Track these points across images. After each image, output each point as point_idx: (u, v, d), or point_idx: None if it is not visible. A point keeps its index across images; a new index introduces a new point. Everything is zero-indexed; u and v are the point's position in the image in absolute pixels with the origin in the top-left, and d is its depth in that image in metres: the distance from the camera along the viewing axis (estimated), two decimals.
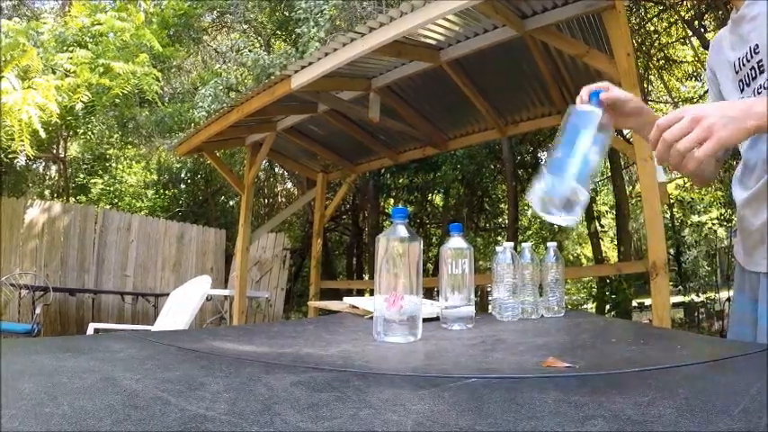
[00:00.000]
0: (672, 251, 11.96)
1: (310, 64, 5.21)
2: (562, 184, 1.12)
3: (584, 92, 1.39)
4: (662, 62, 12.43)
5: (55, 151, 13.55)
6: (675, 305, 12.30)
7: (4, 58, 8.64)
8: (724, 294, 12.57)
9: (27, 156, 9.18)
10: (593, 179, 1.19)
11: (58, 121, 8.97)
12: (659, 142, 1.08)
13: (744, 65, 1.43)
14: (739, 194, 1.51)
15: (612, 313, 10.19)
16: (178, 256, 11.26)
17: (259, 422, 0.57)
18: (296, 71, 5.36)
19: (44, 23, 10.31)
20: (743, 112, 1.09)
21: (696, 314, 12.99)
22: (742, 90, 1.45)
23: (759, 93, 1.37)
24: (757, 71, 1.38)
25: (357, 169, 8.83)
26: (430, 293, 9.14)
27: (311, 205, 10.00)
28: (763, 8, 1.36)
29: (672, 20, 11.32)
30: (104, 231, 10.40)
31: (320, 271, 9.05)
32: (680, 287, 12.80)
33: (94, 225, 10.30)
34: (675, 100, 13.66)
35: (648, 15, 10.93)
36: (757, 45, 1.37)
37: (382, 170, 12.22)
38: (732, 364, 0.98)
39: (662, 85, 13.66)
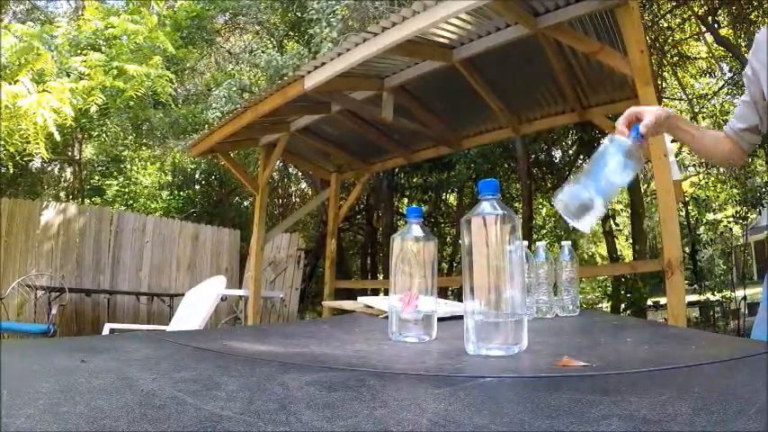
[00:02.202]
0: (687, 249, 11.88)
1: (323, 64, 5.22)
2: (583, 193, 1.23)
3: (622, 123, 1.50)
4: (676, 59, 12.36)
5: (70, 153, 13.66)
6: (691, 304, 12.21)
7: (18, 62, 8.71)
8: (740, 293, 12.45)
9: (42, 158, 9.25)
10: (612, 198, 1.32)
11: (72, 123, 9.04)
12: None
13: None
14: None
15: (627, 312, 10.14)
16: (193, 256, 11.31)
17: (275, 421, 0.57)
18: (309, 72, 5.37)
19: (58, 27, 10.40)
20: None
21: (712, 313, 12.88)
22: None
23: None
24: None
25: (371, 169, 8.84)
26: (444, 293, 9.13)
27: (325, 205, 10.01)
28: None
29: (685, 16, 11.26)
30: (119, 232, 10.47)
31: (334, 271, 9.06)
32: (695, 286, 12.70)
33: (110, 226, 10.37)
34: (690, 97, 13.58)
35: (662, 12, 10.87)
36: None
37: (396, 170, 12.22)
38: (748, 364, 0.97)
39: (676, 82, 13.57)
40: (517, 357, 1.05)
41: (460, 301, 1.27)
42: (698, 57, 13.09)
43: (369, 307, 2.02)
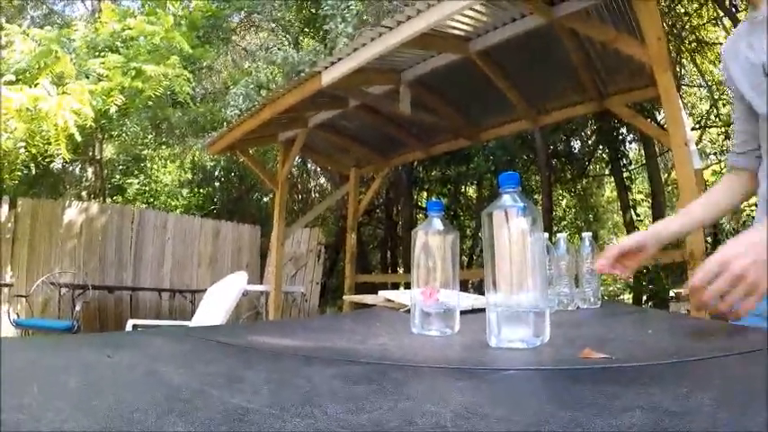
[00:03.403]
0: (709, 239, 11.74)
1: (339, 60, 5.23)
2: None
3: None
4: (694, 45, 12.21)
5: (91, 153, 13.79)
6: None
7: (38, 66, 8.81)
8: None
9: (64, 159, 9.35)
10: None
11: (93, 124, 9.13)
12: (700, 301, 1.08)
13: None
14: None
15: (650, 303, 10.06)
16: (214, 252, 11.40)
17: (300, 414, 0.58)
18: (326, 67, 5.38)
19: (75, 30, 10.49)
20: None
21: None
22: None
23: None
24: None
25: (390, 163, 8.84)
26: (464, 286, 9.12)
27: (344, 200, 10.03)
28: None
29: (702, 1, 11.11)
30: (141, 230, 10.56)
31: (355, 265, 9.07)
32: None
33: (131, 224, 10.46)
34: (709, 83, 13.40)
35: None
36: None
37: (415, 163, 12.21)
38: None
39: (695, 69, 13.41)
40: (539, 350, 1.05)
41: (481, 293, 1.27)
42: (716, 42, 12.91)
43: (390, 301, 2.02)
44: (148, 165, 15.64)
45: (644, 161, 12.74)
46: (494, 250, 1.10)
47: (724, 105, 12.87)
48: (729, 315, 1.09)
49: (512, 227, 1.10)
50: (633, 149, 14.12)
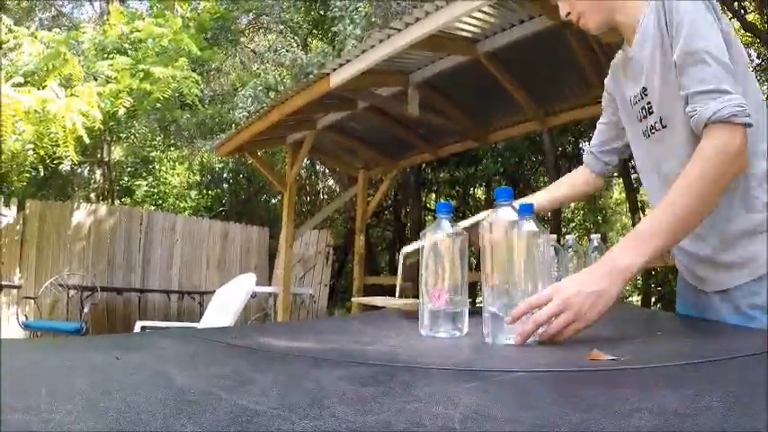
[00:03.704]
0: None
1: (348, 61, 5.23)
2: None
3: None
4: None
5: (99, 155, 13.83)
6: None
7: (46, 68, 8.86)
8: None
9: (72, 161, 9.39)
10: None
11: (101, 126, 9.16)
12: (531, 322, 1.12)
13: (636, 102, 1.56)
14: None
15: (658, 305, 10.02)
16: (222, 254, 11.41)
17: (309, 416, 0.58)
18: (334, 69, 5.39)
19: (84, 32, 10.54)
20: (607, 282, 1.20)
21: None
22: (641, 120, 1.56)
23: (653, 132, 1.50)
24: (647, 111, 1.51)
25: (398, 165, 8.82)
26: (474, 288, 9.12)
27: (353, 202, 10.03)
28: (648, 53, 1.45)
29: None
30: (149, 232, 10.58)
31: (363, 267, 9.06)
32: None
33: (140, 226, 10.49)
34: None
35: None
36: (645, 88, 1.50)
37: (423, 165, 12.20)
38: None
39: None
40: (547, 351, 1.05)
41: None
42: None
43: (393, 302, 2.02)
44: (157, 167, 15.68)
45: None
46: (491, 261, 1.22)
47: None
48: (552, 340, 1.13)
49: (512, 237, 1.19)
50: None
